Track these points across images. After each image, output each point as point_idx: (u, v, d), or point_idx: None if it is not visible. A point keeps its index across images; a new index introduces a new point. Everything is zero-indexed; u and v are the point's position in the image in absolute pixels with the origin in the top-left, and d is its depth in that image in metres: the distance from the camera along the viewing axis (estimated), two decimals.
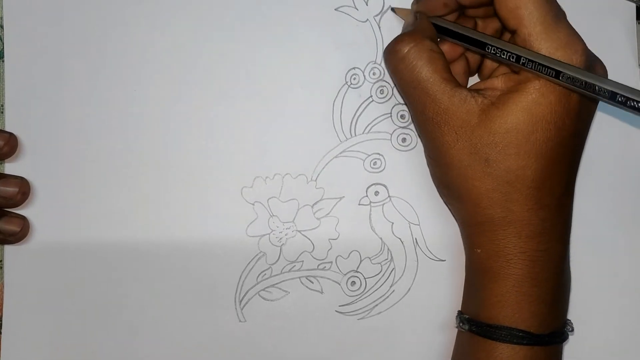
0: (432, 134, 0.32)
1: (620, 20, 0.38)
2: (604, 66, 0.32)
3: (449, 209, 0.36)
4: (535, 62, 0.30)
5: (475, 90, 0.32)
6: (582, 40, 0.31)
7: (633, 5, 0.38)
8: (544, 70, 0.29)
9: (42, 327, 0.36)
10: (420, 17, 0.34)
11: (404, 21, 0.37)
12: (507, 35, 0.34)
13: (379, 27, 0.37)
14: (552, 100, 0.30)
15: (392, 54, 0.33)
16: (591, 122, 0.34)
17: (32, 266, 0.36)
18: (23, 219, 0.35)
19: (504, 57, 0.31)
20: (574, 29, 0.31)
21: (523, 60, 0.30)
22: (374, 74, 0.37)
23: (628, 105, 0.28)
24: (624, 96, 0.28)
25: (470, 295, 0.34)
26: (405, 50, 0.32)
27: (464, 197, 0.32)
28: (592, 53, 0.31)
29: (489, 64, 0.36)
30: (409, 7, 0.36)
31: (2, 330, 0.36)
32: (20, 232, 0.35)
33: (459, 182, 0.32)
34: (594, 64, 0.31)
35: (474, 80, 0.37)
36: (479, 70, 0.37)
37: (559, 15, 0.31)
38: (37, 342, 0.36)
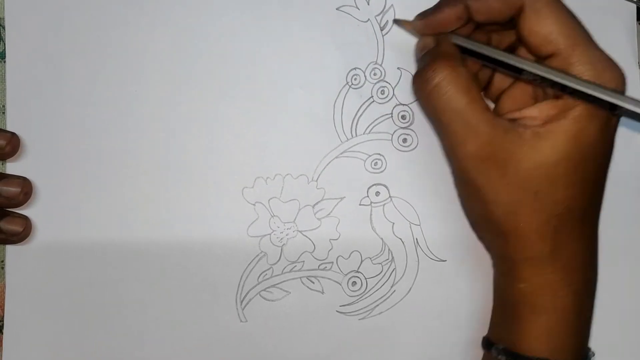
0: (474, 169, 0.30)
1: (621, 20, 0.38)
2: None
3: (483, 244, 0.34)
4: (584, 92, 0.28)
5: (513, 120, 0.30)
6: (615, 62, 0.29)
7: (633, 6, 0.38)
8: (596, 100, 0.28)
9: (43, 327, 0.36)
10: (444, 38, 0.32)
11: (409, 32, 0.36)
12: (523, 52, 0.33)
13: (381, 27, 0.37)
14: (598, 126, 0.29)
15: (423, 83, 0.30)
16: None
17: (34, 266, 0.36)
18: (25, 219, 0.35)
19: (546, 83, 0.29)
20: (605, 52, 0.30)
21: (570, 89, 0.29)
22: (374, 74, 0.37)
23: None
24: None
25: (503, 326, 0.33)
26: (439, 78, 0.30)
27: (511, 233, 0.30)
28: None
29: (498, 81, 0.34)
30: (411, 15, 0.35)
31: (4, 331, 0.36)
32: (22, 232, 0.35)
33: (505, 218, 0.30)
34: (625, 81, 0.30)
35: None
36: (487, 87, 0.35)
37: (590, 37, 0.30)
38: (39, 342, 0.36)
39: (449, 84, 0.30)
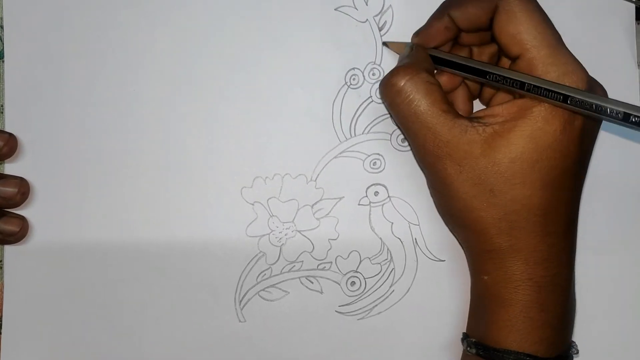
0: (434, 167, 0.32)
1: (620, 20, 0.38)
2: (605, 90, 0.32)
3: (455, 236, 0.36)
4: (541, 87, 0.29)
5: (476, 119, 0.31)
6: (583, 66, 0.30)
7: (632, 6, 0.38)
8: (551, 94, 0.29)
9: (42, 327, 0.36)
10: (416, 48, 0.34)
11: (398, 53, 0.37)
12: (504, 61, 0.34)
13: (379, 27, 0.37)
14: (557, 127, 0.30)
15: (388, 88, 0.32)
16: (594, 146, 0.33)
17: (31, 266, 0.36)
18: (22, 219, 0.35)
19: (507, 83, 0.30)
20: (572, 54, 0.30)
21: (528, 86, 0.29)
22: (373, 74, 0.37)
23: None
24: (639, 117, 0.27)
25: (476, 319, 0.34)
26: (402, 84, 0.32)
27: (470, 227, 0.32)
28: (593, 78, 0.31)
29: (489, 88, 0.36)
30: (410, 15, 0.36)
31: (2, 330, 0.36)
32: (19, 232, 0.35)
33: (464, 213, 0.32)
34: (595, 88, 0.31)
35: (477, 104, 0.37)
36: (480, 94, 0.36)
37: (560, 39, 0.31)
38: (37, 342, 0.36)
39: (409, 88, 0.31)
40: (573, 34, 0.37)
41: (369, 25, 0.37)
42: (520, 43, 0.30)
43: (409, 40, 0.35)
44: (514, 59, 0.31)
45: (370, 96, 0.37)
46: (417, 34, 0.35)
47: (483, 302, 0.33)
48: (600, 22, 0.38)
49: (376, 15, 0.37)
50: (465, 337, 0.34)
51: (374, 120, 0.37)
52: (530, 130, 0.30)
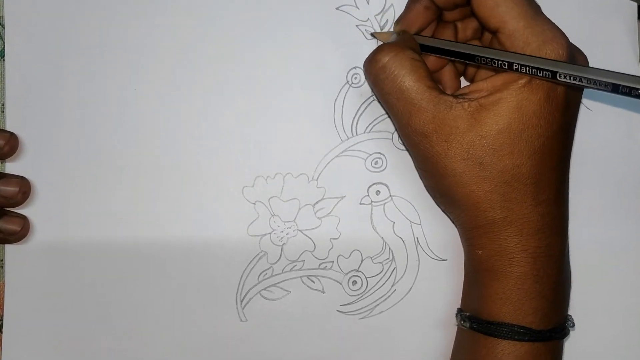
0: (421, 145, 0.32)
1: (621, 19, 0.38)
2: (585, 56, 0.32)
3: (447, 215, 0.36)
4: (529, 66, 0.29)
5: (460, 95, 0.32)
6: (563, 33, 0.30)
7: (634, 5, 0.38)
8: (540, 72, 0.29)
9: (42, 326, 0.36)
10: (402, 33, 0.34)
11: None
12: (488, 34, 0.34)
13: (380, 27, 0.37)
14: (541, 95, 0.30)
15: (372, 64, 0.32)
16: (578, 112, 0.34)
17: (32, 265, 0.35)
18: (23, 218, 0.35)
19: (495, 65, 0.31)
20: (552, 22, 0.31)
21: (516, 66, 0.30)
22: None
23: (632, 95, 0.27)
24: (627, 86, 0.27)
25: (470, 294, 0.34)
26: (386, 60, 0.32)
27: (462, 203, 0.32)
28: (572, 44, 0.31)
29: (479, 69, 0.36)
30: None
31: (3, 330, 0.36)
32: (20, 232, 0.35)
33: (455, 189, 0.32)
34: (576, 54, 0.31)
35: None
36: (465, 71, 0.37)
37: (538, 9, 0.31)
38: (38, 341, 0.36)
39: (394, 65, 0.31)
40: (575, 32, 0.37)
41: (370, 25, 0.37)
42: (498, 16, 0.30)
43: None
44: (494, 33, 0.31)
45: (372, 95, 0.37)
46: (398, 20, 0.35)
47: (477, 277, 0.33)
48: (602, 21, 0.38)
49: (377, 14, 0.37)
50: (459, 312, 0.34)
51: (375, 120, 0.37)
52: (515, 101, 0.30)
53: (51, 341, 0.36)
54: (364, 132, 0.37)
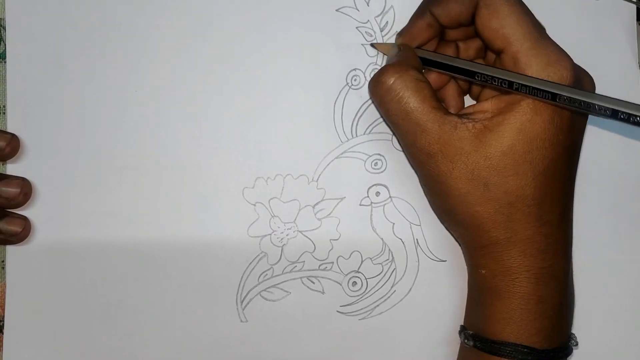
0: (426, 165, 0.32)
1: (621, 21, 0.38)
2: (591, 78, 0.32)
3: (451, 233, 0.36)
4: (529, 86, 0.29)
5: (465, 115, 0.31)
6: (568, 55, 0.30)
7: (633, 6, 0.38)
8: (540, 93, 0.29)
9: (43, 327, 0.36)
10: (404, 48, 0.34)
11: (387, 55, 0.37)
12: (490, 55, 0.34)
13: (380, 28, 0.37)
14: (546, 117, 0.30)
15: (377, 86, 0.32)
16: (584, 134, 0.33)
17: (33, 266, 0.36)
18: (25, 219, 0.35)
19: (495, 83, 0.31)
20: (557, 44, 0.31)
21: (516, 85, 0.30)
22: None
23: (631, 122, 0.27)
24: (626, 113, 0.27)
25: (474, 312, 0.34)
26: (391, 82, 0.32)
27: (466, 222, 0.32)
28: (579, 66, 0.31)
29: (475, 86, 0.36)
30: (412, 8, 0.36)
31: (4, 330, 0.36)
32: (21, 233, 0.35)
33: (459, 209, 0.32)
34: (582, 76, 0.31)
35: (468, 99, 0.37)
36: (469, 89, 0.36)
37: (543, 31, 0.31)
38: (39, 342, 0.36)
39: (399, 86, 0.31)
40: (574, 34, 0.37)
41: (370, 26, 0.37)
42: (502, 37, 0.30)
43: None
44: (498, 53, 0.31)
45: None
46: (400, 33, 0.35)
47: (481, 296, 0.33)
48: (601, 23, 0.38)
49: (377, 16, 0.37)
50: (463, 330, 0.34)
51: (375, 121, 0.37)
52: (519, 123, 0.30)
53: (52, 342, 0.36)
54: (364, 134, 0.37)
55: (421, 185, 0.35)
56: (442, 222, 0.36)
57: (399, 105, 0.32)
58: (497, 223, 0.31)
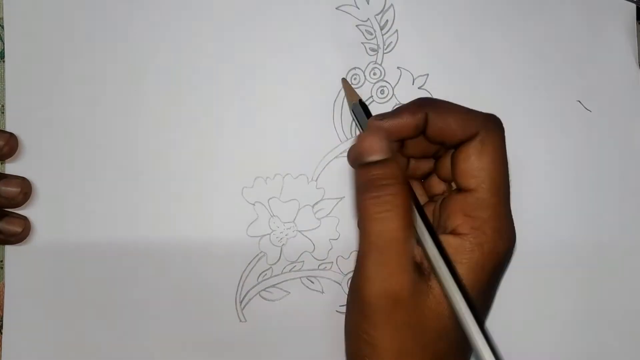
0: (373, 308, 0.28)
1: (621, 20, 0.38)
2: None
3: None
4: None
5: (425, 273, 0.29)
6: (514, 233, 0.29)
7: (633, 6, 0.38)
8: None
9: (42, 327, 0.36)
10: (394, 153, 0.29)
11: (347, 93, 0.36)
12: (435, 181, 0.33)
13: (380, 27, 0.37)
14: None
15: (366, 185, 0.28)
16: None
17: (33, 266, 0.36)
18: (24, 219, 0.35)
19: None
20: (511, 215, 0.30)
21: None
22: (374, 74, 0.37)
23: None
24: None
25: None
26: (386, 194, 0.27)
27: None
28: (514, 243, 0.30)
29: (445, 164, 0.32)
30: (411, 14, 0.35)
31: (3, 330, 0.36)
32: (21, 233, 0.35)
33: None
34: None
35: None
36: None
37: (508, 193, 0.30)
38: (38, 342, 0.36)
39: (389, 205, 0.27)
40: (574, 34, 0.37)
41: (370, 24, 0.37)
42: (475, 179, 0.29)
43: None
44: (459, 189, 0.30)
45: (371, 96, 0.37)
46: (381, 117, 0.30)
47: None
48: (601, 22, 0.38)
49: (377, 14, 0.37)
50: None
51: None
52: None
53: (51, 342, 0.36)
54: None
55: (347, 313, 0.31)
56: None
57: (380, 226, 0.27)
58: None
